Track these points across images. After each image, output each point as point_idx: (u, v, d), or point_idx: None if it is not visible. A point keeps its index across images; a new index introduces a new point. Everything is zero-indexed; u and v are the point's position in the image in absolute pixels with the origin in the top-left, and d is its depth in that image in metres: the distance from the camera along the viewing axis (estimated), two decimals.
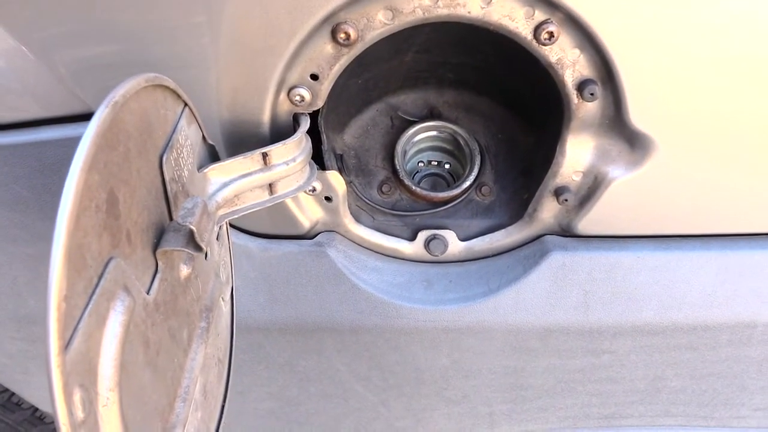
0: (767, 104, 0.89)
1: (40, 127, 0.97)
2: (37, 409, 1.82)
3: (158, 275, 0.62)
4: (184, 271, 0.70)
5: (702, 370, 1.26)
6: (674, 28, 0.81)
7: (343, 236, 1.16)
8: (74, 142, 0.95)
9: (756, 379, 1.30)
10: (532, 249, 1.14)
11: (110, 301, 0.51)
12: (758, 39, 0.82)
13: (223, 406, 0.88)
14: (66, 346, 0.44)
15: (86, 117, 0.96)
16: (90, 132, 0.48)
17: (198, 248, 0.64)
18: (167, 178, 0.65)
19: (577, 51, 0.87)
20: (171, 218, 0.66)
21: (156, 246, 0.62)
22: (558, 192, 1.06)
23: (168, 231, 0.63)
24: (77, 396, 0.45)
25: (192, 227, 0.62)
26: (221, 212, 0.82)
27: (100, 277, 0.49)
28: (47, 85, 0.92)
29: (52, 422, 1.85)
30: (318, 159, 1.03)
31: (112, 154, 0.52)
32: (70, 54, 0.87)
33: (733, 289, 1.11)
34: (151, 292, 0.60)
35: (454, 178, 1.26)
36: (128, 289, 0.54)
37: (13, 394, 1.76)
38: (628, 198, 1.02)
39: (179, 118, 0.71)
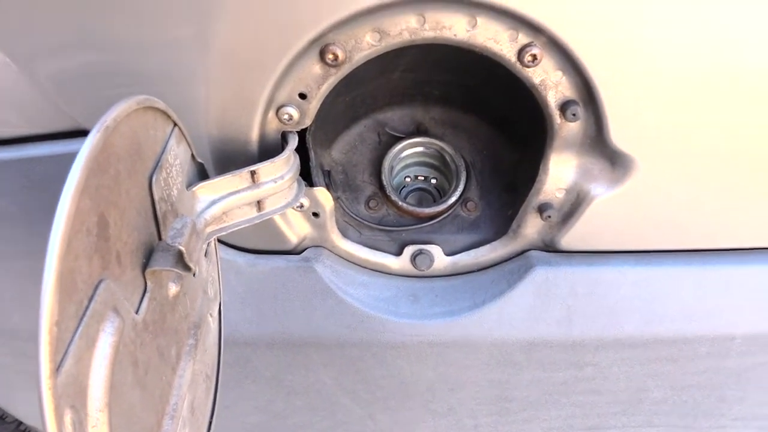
0: (744, 123, 0.92)
1: (27, 144, 0.97)
2: (21, 423, 1.80)
3: (147, 295, 0.62)
4: (173, 289, 0.70)
5: (682, 381, 1.29)
6: (654, 51, 0.84)
7: (330, 251, 1.17)
8: (62, 158, 0.96)
9: (735, 390, 1.32)
10: (517, 264, 1.15)
11: (100, 323, 0.52)
12: (735, 62, 0.85)
13: (210, 422, 0.88)
14: (57, 368, 0.44)
15: (74, 134, 0.97)
16: (82, 157, 0.49)
17: (187, 268, 0.65)
18: (156, 198, 0.65)
19: (559, 73, 0.89)
20: (160, 238, 0.67)
21: (145, 266, 0.62)
22: (541, 208, 1.07)
23: (157, 251, 0.64)
24: (68, 417, 0.46)
25: (181, 248, 0.63)
26: (209, 229, 0.82)
27: (90, 300, 0.50)
28: (35, 101, 0.92)
29: None
30: (306, 175, 1.04)
31: (103, 178, 0.53)
32: (55, 68, 0.87)
33: (712, 303, 1.13)
34: (140, 311, 0.60)
35: (441, 194, 1.28)
36: (117, 310, 0.54)
37: None
38: (610, 215, 1.04)
39: (168, 138, 0.71)
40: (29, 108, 0.94)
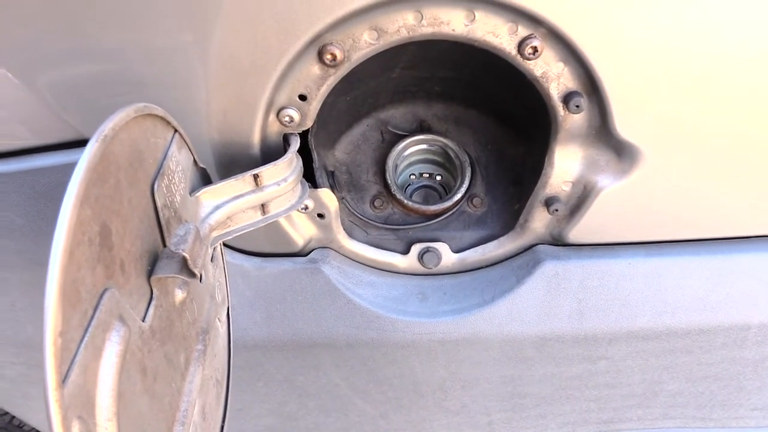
0: (750, 110, 0.90)
1: (33, 155, 0.98)
2: None
3: (153, 302, 0.62)
4: (179, 295, 0.70)
5: (698, 372, 1.27)
6: (656, 39, 0.83)
7: (337, 252, 1.16)
8: (66, 168, 0.96)
9: (752, 380, 1.31)
10: (525, 259, 1.14)
11: (106, 332, 0.52)
12: (738, 48, 0.83)
13: (222, 426, 0.88)
14: (63, 380, 0.44)
15: (77, 144, 0.97)
16: (81, 168, 0.49)
17: (191, 274, 0.65)
18: (159, 205, 0.65)
19: (561, 64, 0.88)
20: (164, 244, 0.67)
21: (150, 273, 0.62)
22: (548, 202, 1.07)
23: (161, 258, 0.64)
24: (76, 428, 0.46)
25: (185, 254, 0.63)
26: (214, 234, 0.83)
27: (95, 309, 0.50)
28: (37, 113, 0.93)
29: None
30: (309, 177, 1.03)
31: (104, 188, 0.53)
32: (55, 79, 0.88)
33: (725, 293, 1.12)
34: (146, 319, 0.60)
35: (446, 190, 1.27)
36: (123, 319, 0.54)
37: (14, 417, 1.76)
38: (618, 206, 1.03)
39: (169, 145, 0.71)
40: (32, 120, 0.95)
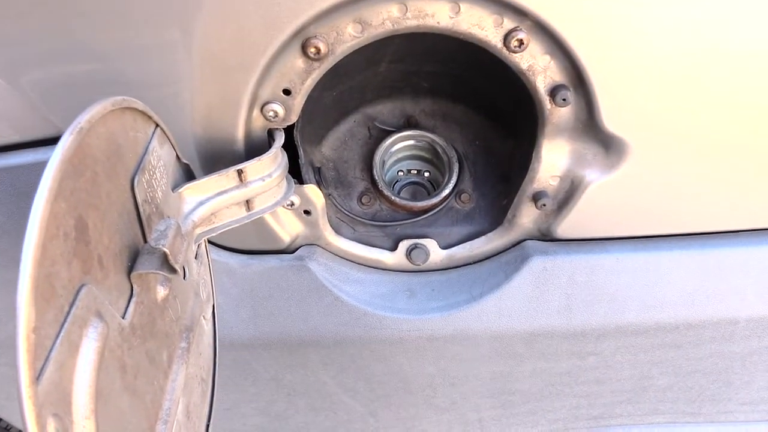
0: (737, 104, 0.90)
1: (13, 152, 0.96)
2: None
3: (134, 298, 0.61)
4: (161, 292, 0.69)
5: (687, 367, 1.27)
6: (642, 31, 0.82)
7: (324, 249, 1.15)
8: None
9: (740, 374, 1.31)
10: (513, 254, 1.14)
11: (83, 329, 0.51)
12: (726, 41, 0.83)
13: (207, 425, 0.87)
14: (38, 376, 0.43)
15: (59, 140, 0.96)
16: (54, 160, 0.48)
17: (172, 270, 0.64)
18: (139, 200, 0.64)
19: (547, 57, 0.87)
20: (145, 240, 0.66)
21: (130, 269, 0.61)
22: (536, 197, 1.06)
23: (142, 254, 0.63)
24: (51, 426, 0.45)
25: (165, 250, 0.62)
26: (198, 231, 0.81)
27: (71, 305, 0.49)
28: (19, 109, 0.91)
29: None
30: (296, 173, 1.02)
31: (79, 181, 0.52)
32: (38, 75, 0.87)
33: (713, 287, 1.12)
34: (126, 316, 0.59)
35: (434, 186, 1.27)
36: (101, 315, 0.53)
37: (0, 418, 1.74)
38: (606, 201, 1.03)
39: (151, 140, 0.70)
40: (13, 116, 0.93)
